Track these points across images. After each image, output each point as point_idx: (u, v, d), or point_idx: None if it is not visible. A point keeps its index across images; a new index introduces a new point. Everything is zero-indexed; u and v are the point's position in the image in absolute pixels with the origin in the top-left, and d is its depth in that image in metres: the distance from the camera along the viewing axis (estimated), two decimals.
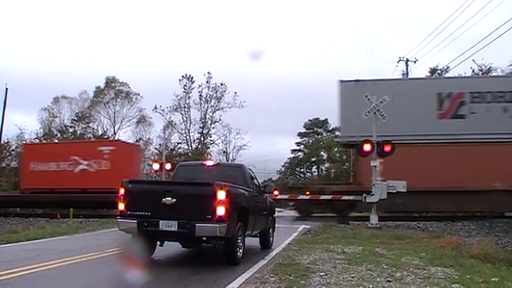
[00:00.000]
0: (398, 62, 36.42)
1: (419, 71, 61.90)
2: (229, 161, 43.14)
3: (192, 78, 45.92)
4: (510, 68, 32.25)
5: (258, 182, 10.33)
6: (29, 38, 70.76)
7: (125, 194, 7.70)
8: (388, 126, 19.95)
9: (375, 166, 18.37)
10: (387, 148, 18.03)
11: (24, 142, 39.27)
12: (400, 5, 75.81)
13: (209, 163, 10.05)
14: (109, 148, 24.34)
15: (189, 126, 46.31)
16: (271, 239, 10.58)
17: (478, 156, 20.68)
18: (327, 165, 63.54)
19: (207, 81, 45.56)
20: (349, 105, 21.93)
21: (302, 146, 64.86)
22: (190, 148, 46.22)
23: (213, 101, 46.00)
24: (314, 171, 65.43)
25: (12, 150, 42.13)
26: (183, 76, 45.79)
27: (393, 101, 20.42)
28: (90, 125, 46.88)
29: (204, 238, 7.52)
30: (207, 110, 46.18)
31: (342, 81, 23.29)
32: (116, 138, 34.42)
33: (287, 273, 6.90)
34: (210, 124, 46.57)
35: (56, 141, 42.62)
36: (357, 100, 20.40)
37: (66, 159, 24.33)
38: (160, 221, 7.37)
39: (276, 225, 11.17)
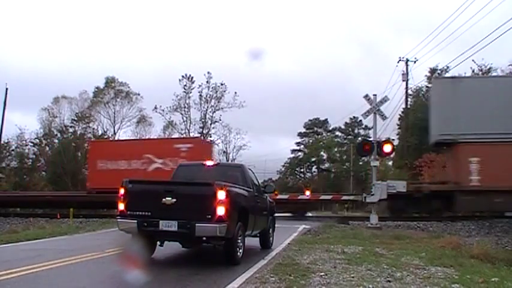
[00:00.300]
0: (398, 62, 36.41)
1: (419, 71, 62.03)
2: (229, 161, 43.11)
3: (192, 78, 45.98)
4: (510, 68, 32.14)
5: (258, 182, 10.32)
6: (29, 38, 70.91)
7: (125, 194, 7.70)
8: (485, 124, 19.61)
9: (375, 166, 18.41)
10: (387, 148, 18.05)
11: (91, 139, 37.87)
12: (400, 5, 75.89)
13: (209, 163, 10.02)
14: (186, 146, 23.14)
15: (189, 126, 46.35)
16: (271, 239, 10.57)
17: None
18: (327, 165, 63.61)
19: (207, 81, 45.61)
20: (444, 104, 20.95)
21: (302, 146, 64.92)
22: None
23: (213, 101, 46.06)
24: (314, 171, 65.47)
25: (12, 150, 42.15)
26: (183, 76, 45.87)
27: (490, 99, 20.00)
28: (90, 125, 46.94)
29: (204, 238, 7.51)
30: (207, 110, 46.23)
31: (436, 78, 22.44)
32: (195, 136, 31.55)
33: (287, 273, 6.90)
34: (210, 124, 46.64)
35: (126, 138, 40.84)
36: (453, 98, 20.11)
37: (138, 158, 22.86)
38: (160, 221, 7.36)
39: (276, 225, 11.18)
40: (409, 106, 37.41)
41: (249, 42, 71.80)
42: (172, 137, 35.86)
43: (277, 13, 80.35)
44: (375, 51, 76.08)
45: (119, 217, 7.75)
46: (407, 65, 36.06)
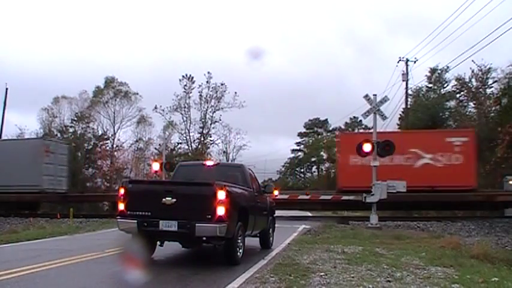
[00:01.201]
0: (398, 62, 36.44)
1: (419, 71, 62.01)
2: (229, 161, 43.08)
3: (193, 78, 45.93)
4: (510, 68, 32.08)
5: (258, 182, 10.33)
6: (28, 38, 70.84)
7: (125, 194, 7.71)
8: None
9: (375, 166, 18.37)
10: (387, 148, 18.01)
11: (339, 132, 35.00)
12: (399, 6, 75.88)
13: (209, 163, 10.04)
14: (461, 139, 20.98)
15: (189, 126, 46.26)
16: (271, 239, 10.58)
17: None
18: (327, 165, 63.51)
19: (207, 81, 45.53)
20: None
21: (302, 146, 64.87)
22: (190, 148, 46.19)
23: (213, 101, 45.96)
24: (314, 171, 65.45)
25: None
26: (183, 76, 45.80)
27: None
28: (90, 125, 46.87)
29: (204, 238, 7.52)
30: (207, 110, 46.13)
31: None
32: (466, 127, 27.25)
33: (287, 273, 6.91)
34: (210, 124, 46.52)
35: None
36: None
37: (401, 152, 20.40)
38: (160, 221, 7.37)
39: (276, 225, 11.18)
40: (409, 106, 37.40)
41: (249, 42, 71.83)
42: (444, 130, 31.39)
43: (277, 13, 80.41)
44: (374, 52, 76.12)
45: (119, 217, 7.75)
46: (407, 65, 36.10)
